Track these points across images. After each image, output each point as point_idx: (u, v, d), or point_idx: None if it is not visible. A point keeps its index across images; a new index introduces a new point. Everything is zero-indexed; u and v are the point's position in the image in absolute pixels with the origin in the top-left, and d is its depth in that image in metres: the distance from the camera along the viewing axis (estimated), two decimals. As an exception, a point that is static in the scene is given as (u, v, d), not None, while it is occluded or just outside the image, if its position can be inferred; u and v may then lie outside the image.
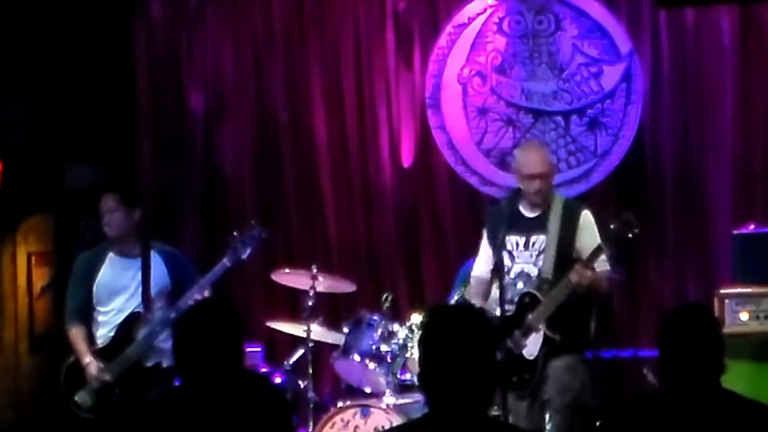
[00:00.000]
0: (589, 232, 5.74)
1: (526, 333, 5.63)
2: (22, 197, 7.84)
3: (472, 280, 6.04)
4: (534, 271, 5.71)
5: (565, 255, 5.68)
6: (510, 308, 5.60)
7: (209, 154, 8.37)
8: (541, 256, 5.70)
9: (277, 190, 8.30)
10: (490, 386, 3.01)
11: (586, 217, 5.79)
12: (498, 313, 5.52)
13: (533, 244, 5.73)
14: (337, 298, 7.42)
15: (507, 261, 5.70)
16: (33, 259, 8.02)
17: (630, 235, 5.61)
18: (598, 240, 5.65)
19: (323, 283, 6.75)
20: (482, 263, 5.94)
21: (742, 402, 3.48)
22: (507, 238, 5.68)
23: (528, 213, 5.79)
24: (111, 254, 6.05)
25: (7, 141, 7.74)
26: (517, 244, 5.74)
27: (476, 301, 5.81)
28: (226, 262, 6.01)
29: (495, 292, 5.81)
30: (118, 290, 6.01)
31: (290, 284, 6.93)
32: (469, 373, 2.96)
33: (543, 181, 5.76)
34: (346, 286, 7.03)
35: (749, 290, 6.30)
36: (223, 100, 8.38)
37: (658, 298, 7.89)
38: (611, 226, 5.61)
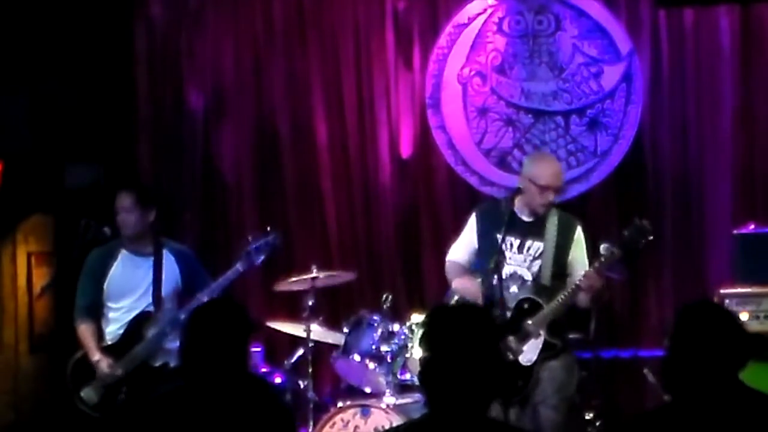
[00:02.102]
0: (580, 248, 5.76)
1: (524, 339, 5.61)
2: (22, 197, 7.84)
3: (450, 264, 6.00)
4: (527, 275, 5.69)
5: (560, 264, 5.70)
6: (500, 311, 5.56)
7: (209, 153, 8.36)
8: (536, 262, 5.69)
9: (277, 190, 8.30)
10: (492, 386, 3.01)
11: (580, 232, 5.80)
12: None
13: (528, 248, 5.72)
14: (337, 298, 7.42)
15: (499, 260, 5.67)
16: (33, 259, 8.01)
17: (643, 242, 5.58)
18: (585, 257, 5.67)
19: (323, 280, 6.73)
20: (461, 249, 5.93)
21: (763, 399, 3.37)
22: (505, 238, 5.65)
23: (524, 217, 5.78)
24: (124, 252, 6.06)
25: (7, 141, 7.74)
26: (511, 245, 5.71)
27: (458, 282, 5.83)
28: (239, 267, 6.02)
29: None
30: (130, 288, 6.02)
31: (292, 289, 6.89)
32: (471, 373, 2.96)
33: (555, 195, 5.75)
34: (346, 276, 6.99)
35: (749, 290, 6.30)
36: (223, 100, 8.38)
37: (658, 298, 7.89)
38: (624, 233, 5.58)
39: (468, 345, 2.98)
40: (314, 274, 6.65)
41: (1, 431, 7.77)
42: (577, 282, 5.55)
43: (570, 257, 5.72)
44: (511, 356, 5.55)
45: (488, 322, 3.07)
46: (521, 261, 5.71)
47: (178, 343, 5.93)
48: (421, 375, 3.03)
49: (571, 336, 5.97)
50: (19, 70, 7.82)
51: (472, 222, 5.91)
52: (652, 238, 5.60)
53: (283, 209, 8.26)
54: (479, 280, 5.78)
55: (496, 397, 3.07)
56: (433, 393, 3.01)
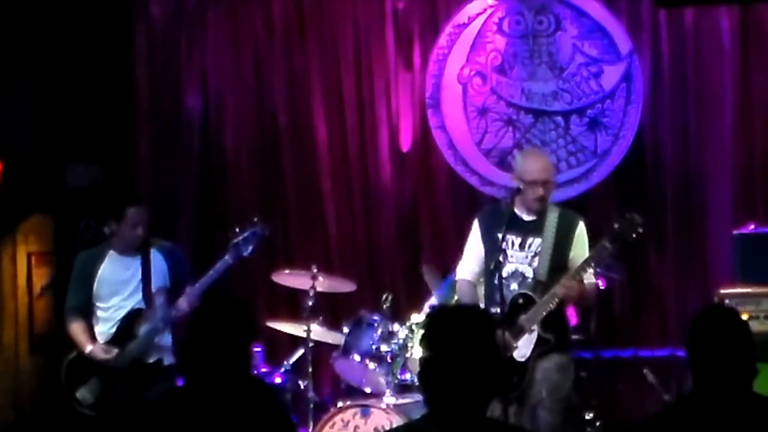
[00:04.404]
0: (582, 243, 5.73)
1: (518, 334, 5.60)
2: (22, 197, 7.84)
3: (461, 283, 5.92)
4: (529, 272, 5.67)
5: (560, 261, 5.67)
6: (498, 309, 5.56)
7: (209, 154, 8.37)
8: (537, 258, 5.68)
9: (277, 190, 8.30)
10: (490, 386, 3.01)
11: (582, 228, 5.77)
12: (493, 310, 5.51)
13: (529, 245, 5.71)
14: (337, 298, 7.42)
15: (500, 259, 5.66)
16: (33, 259, 8.01)
17: (634, 235, 5.58)
18: (587, 252, 5.65)
19: (323, 283, 6.75)
20: (470, 263, 5.88)
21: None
22: (506, 237, 5.65)
23: (525, 216, 5.77)
24: (111, 252, 6.07)
25: (7, 141, 7.75)
26: (513, 244, 5.70)
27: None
28: (228, 258, 6.03)
29: (481, 290, 5.80)
30: (119, 287, 6.02)
31: (291, 285, 6.92)
32: (470, 373, 2.96)
33: (545, 188, 5.74)
34: (346, 286, 7.03)
35: (749, 290, 6.30)
36: (222, 101, 8.38)
37: (658, 298, 7.90)
38: (615, 225, 5.58)
39: (467, 345, 2.98)
40: (314, 272, 6.66)
41: (1, 431, 7.77)
42: (555, 292, 5.56)
43: (571, 253, 5.70)
44: (505, 352, 5.54)
45: (487, 323, 3.06)
46: (522, 258, 5.71)
47: (170, 340, 6.00)
48: (421, 375, 3.03)
49: (572, 336, 5.96)
50: (20, 70, 7.82)
51: (474, 228, 5.89)
52: (642, 230, 5.59)
53: (283, 209, 8.26)
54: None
55: (494, 397, 3.06)
56: (432, 393, 3.01)
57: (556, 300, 5.56)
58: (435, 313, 3.11)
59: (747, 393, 3.38)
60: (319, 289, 6.67)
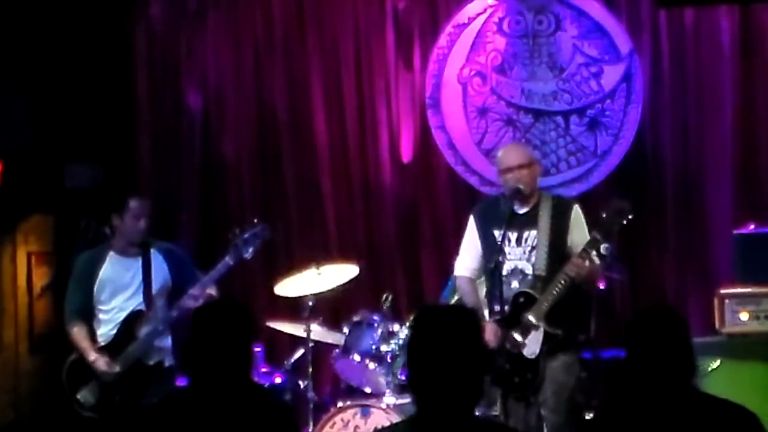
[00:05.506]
0: (580, 227, 5.70)
1: (525, 332, 5.60)
2: (22, 197, 7.84)
3: (460, 280, 5.93)
4: (528, 268, 5.66)
5: (558, 250, 5.64)
6: (501, 308, 5.56)
7: (209, 154, 8.37)
8: (534, 252, 5.67)
9: (277, 190, 8.30)
10: (477, 385, 3.01)
11: (577, 212, 5.75)
12: (496, 309, 5.52)
13: (526, 239, 5.69)
14: (337, 298, 7.42)
15: (500, 258, 5.66)
16: (33, 259, 8.02)
17: (624, 222, 5.56)
18: (588, 235, 5.62)
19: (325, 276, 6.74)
20: (467, 259, 5.87)
21: (715, 402, 3.44)
22: (505, 234, 5.64)
23: (519, 210, 5.76)
24: (112, 253, 6.06)
25: (7, 141, 7.75)
26: (510, 240, 5.69)
27: (473, 303, 5.76)
28: (228, 260, 6.02)
29: (482, 289, 5.79)
30: (119, 288, 6.01)
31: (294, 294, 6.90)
32: (456, 374, 2.96)
33: (521, 171, 5.71)
34: (349, 272, 6.99)
35: (749, 290, 6.29)
36: (222, 100, 8.38)
37: (658, 298, 7.89)
38: (603, 215, 5.56)
39: (452, 345, 2.98)
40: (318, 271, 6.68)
41: (1, 431, 7.77)
42: (566, 271, 5.53)
43: (569, 241, 5.67)
44: (515, 350, 5.55)
45: (473, 322, 3.06)
46: (521, 254, 5.69)
47: (170, 342, 5.99)
48: (408, 375, 3.04)
49: (579, 335, 5.95)
50: (19, 70, 7.82)
51: (471, 224, 5.89)
52: (631, 217, 5.58)
53: (283, 209, 8.26)
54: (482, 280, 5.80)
55: (481, 395, 3.07)
56: (420, 393, 3.02)
57: (565, 281, 5.52)
58: (421, 314, 3.11)
59: (688, 390, 3.41)
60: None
